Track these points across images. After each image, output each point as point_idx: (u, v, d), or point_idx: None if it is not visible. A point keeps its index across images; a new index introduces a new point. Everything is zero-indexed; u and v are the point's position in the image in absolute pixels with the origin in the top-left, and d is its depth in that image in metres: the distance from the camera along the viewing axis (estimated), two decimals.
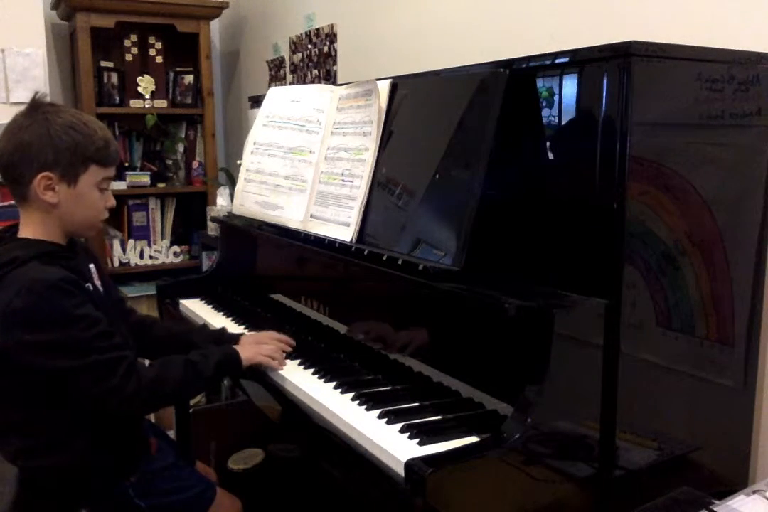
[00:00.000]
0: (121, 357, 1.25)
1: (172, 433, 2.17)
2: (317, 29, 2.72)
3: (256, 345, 1.45)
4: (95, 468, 1.32)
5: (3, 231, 1.36)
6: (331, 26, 2.62)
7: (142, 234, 3.25)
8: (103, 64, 3.14)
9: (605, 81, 1.05)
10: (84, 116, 1.32)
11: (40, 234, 1.30)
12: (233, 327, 1.71)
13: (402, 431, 1.11)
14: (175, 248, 3.30)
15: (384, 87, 1.46)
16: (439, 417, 1.15)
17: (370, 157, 1.44)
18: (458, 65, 1.38)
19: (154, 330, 1.59)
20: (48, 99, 1.33)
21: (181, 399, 1.95)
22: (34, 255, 1.25)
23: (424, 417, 1.15)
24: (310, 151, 1.67)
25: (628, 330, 1.09)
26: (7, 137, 1.28)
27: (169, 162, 3.36)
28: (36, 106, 1.30)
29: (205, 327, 1.66)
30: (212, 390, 2.66)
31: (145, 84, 3.18)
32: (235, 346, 1.44)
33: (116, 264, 3.16)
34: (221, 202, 2.76)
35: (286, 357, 1.46)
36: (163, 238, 3.30)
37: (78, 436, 1.30)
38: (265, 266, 1.96)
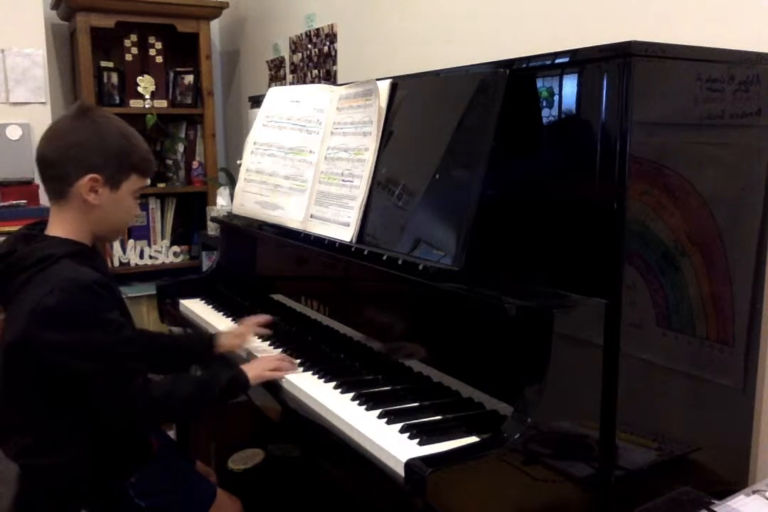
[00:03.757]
0: (141, 369, 1.27)
1: (172, 433, 2.16)
2: (317, 29, 2.72)
3: (260, 362, 1.44)
4: (95, 468, 1.32)
5: (29, 228, 1.37)
6: (331, 26, 2.62)
7: (142, 234, 3.25)
8: (103, 64, 3.13)
9: (605, 81, 1.05)
10: (129, 127, 1.35)
11: (71, 233, 1.31)
12: (233, 328, 1.71)
13: (402, 431, 1.11)
14: (175, 248, 3.29)
15: (384, 87, 1.46)
16: (439, 417, 1.16)
17: (370, 157, 1.44)
18: (458, 65, 1.38)
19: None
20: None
21: (185, 418, 1.97)
22: (66, 253, 1.26)
23: (424, 417, 1.15)
24: (310, 151, 1.67)
25: (628, 330, 1.09)
26: (54, 136, 1.30)
27: (169, 162, 3.35)
28: (85, 109, 1.32)
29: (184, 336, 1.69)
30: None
31: (145, 84, 3.18)
32: (242, 366, 1.41)
33: (116, 264, 3.16)
34: (221, 202, 2.76)
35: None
36: (163, 238, 3.30)
37: (79, 436, 1.30)
38: (265, 266, 1.96)
